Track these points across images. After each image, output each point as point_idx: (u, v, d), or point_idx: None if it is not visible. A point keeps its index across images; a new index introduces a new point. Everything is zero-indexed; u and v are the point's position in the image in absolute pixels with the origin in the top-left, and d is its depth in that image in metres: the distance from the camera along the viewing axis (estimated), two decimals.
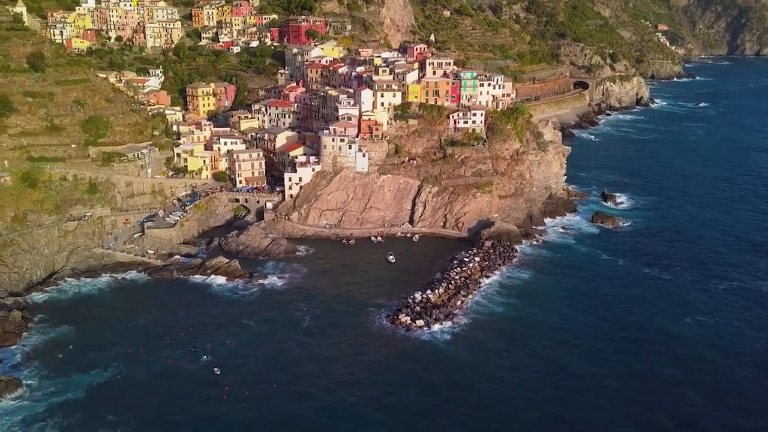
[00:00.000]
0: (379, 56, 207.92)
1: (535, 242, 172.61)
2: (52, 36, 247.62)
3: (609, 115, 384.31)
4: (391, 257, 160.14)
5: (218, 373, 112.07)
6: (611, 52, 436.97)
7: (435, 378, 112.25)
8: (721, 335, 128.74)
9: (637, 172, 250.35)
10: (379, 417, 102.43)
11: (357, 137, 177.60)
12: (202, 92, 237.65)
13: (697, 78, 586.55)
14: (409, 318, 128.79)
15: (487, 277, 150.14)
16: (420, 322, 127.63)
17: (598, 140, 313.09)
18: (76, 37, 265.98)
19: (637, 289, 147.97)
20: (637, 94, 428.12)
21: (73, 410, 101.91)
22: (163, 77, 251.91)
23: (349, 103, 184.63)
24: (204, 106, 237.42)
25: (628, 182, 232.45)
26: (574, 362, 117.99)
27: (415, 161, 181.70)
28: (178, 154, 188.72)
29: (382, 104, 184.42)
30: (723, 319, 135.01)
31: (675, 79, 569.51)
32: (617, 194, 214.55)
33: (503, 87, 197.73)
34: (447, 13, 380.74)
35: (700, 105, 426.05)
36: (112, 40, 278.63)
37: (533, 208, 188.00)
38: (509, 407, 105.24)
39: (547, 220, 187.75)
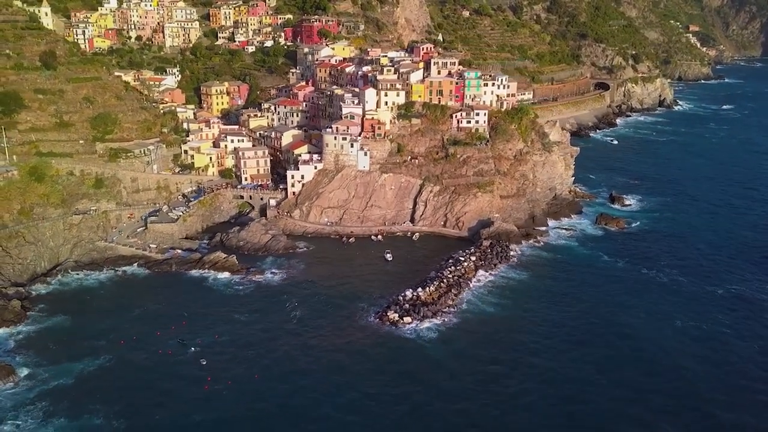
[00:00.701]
0: (386, 56, 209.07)
1: (535, 243, 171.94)
2: (75, 35, 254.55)
3: (629, 116, 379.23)
4: (388, 255, 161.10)
5: (204, 363, 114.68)
6: (634, 53, 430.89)
7: (417, 374, 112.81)
8: (713, 339, 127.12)
9: (649, 174, 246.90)
10: (355, 413, 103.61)
11: (360, 136, 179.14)
12: (216, 91, 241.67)
13: (726, 80, 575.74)
14: (397, 315, 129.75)
15: (482, 276, 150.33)
16: (407, 319, 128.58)
17: (614, 142, 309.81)
18: (98, 36, 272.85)
19: (633, 292, 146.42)
20: (660, 96, 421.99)
21: (61, 397, 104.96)
22: (179, 76, 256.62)
23: (353, 102, 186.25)
24: (218, 104, 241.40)
25: (638, 184, 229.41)
26: (563, 363, 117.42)
27: (417, 160, 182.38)
28: (186, 151, 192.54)
29: (386, 103, 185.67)
30: (716, 324, 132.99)
31: (702, 81, 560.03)
32: (626, 196, 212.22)
33: (508, 87, 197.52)
34: (466, 14, 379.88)
35: (724, 107, 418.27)
36: (133, 40, 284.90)
37: (536, 209, 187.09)
38: (489, 406, 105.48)
39: (551, 221, 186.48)
